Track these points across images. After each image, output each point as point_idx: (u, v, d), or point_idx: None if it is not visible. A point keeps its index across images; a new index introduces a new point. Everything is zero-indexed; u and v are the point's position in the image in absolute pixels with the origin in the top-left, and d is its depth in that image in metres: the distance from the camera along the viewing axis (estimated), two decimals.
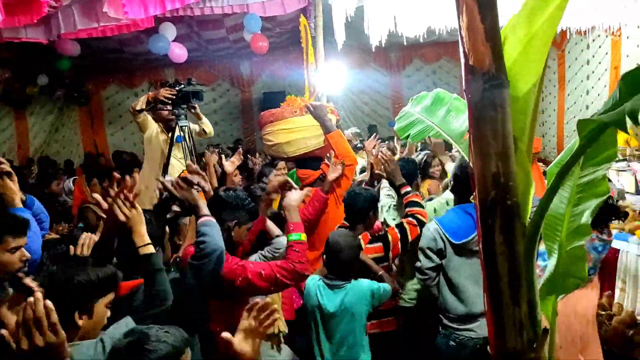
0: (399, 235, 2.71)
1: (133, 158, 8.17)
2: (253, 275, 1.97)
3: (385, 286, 2.45)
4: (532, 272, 1.17)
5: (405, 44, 5.58)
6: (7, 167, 2.17)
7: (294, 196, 2.22)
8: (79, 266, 1.62)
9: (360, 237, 2.68)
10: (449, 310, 2.53)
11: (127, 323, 1.64)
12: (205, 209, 2.00)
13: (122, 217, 1.76)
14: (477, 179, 1.14)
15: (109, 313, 1.63)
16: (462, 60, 1.10)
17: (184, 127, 3.90)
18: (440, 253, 2.56)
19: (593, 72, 8.08)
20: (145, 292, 1.78)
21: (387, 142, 6.55)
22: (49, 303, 1.19)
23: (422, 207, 2.83)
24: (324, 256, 2.48)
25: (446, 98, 1.72)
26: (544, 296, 1.28)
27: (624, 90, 0.95)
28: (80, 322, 1.53)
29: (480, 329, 2.43)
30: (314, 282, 2.49)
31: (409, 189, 2.92)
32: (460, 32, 1.08)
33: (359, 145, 5.59)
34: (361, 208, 2.74)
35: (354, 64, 9.44)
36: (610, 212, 2.75)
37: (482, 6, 1.04)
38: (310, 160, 3.53)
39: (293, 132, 3.39)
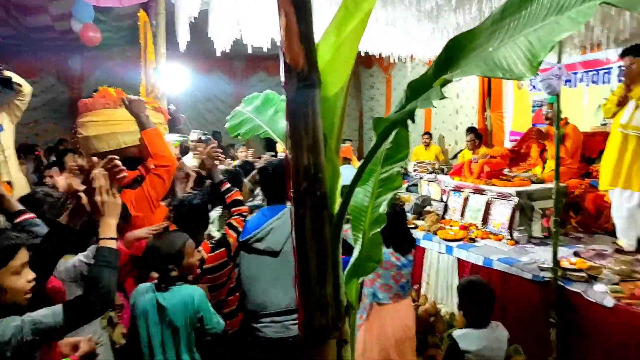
0: (234, 234, 2.74)
1: None
2: None
3: (219, 319, 2.40)
4: (337, 257, 1.30)
5: (249, 52, 5.66)
6: None
7: None
8: None
9: (200, 249, 2.65)
10: (244, 305, 2.67)
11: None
12: None
13: (98, 199, 1.65)
14: (292, 171, 1.23)
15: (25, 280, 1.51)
16: (281, 59, 1.19)
17: None
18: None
19: None
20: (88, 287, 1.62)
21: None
22: None
23: (244, 204, 2.90)
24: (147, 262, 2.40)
25: (275, 99, 1.82)
26: (348, 279, 1.43)
27: (408, 95, 1.14)
28: None
29: (267, 329, 2.55)
30: (143, 286, 2.41)
31: (228, 185, 2.91)
32: (279, 32, 1.16)
33: (204, 138, 5.51)
34: (189, 217, 2.70)
35: (198, 68, 9.27)
36: (412, 242, 3.22)
37: (298, 10, 1.14)
38: (126, 160, 3.30)
39: (103, 125, 3.08)
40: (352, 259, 1.45)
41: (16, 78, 3.71)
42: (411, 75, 9.23)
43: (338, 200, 1.32)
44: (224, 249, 2.69)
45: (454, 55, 1.06)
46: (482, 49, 1.00)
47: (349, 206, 1.55)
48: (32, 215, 2.17)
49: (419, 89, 1.11)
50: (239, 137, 1.91)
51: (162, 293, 2.34)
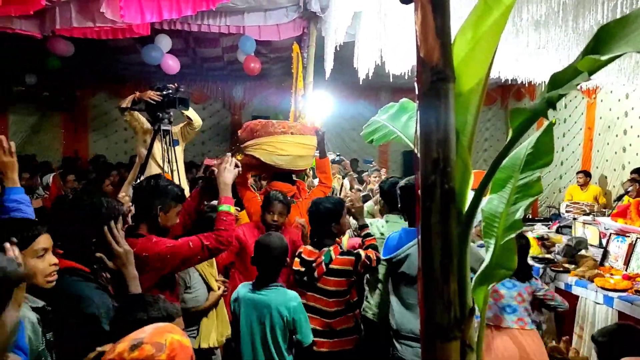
0: (369, 255, 2.83)
1: (106, 162, 8.78)
2: (171, 248, 2.19)
3: (310, 333, 2.50)
4: (464, 258, 1.24)
5: (391, 81, 5.83)
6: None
7: (229, 174, 2.41)
8: None
9: (331, 248, 2.79)
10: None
11: None
12: None
13: None
14: (420, 164, 1.23)
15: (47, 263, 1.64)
16: (415, 54, 1.22)
17: (165, 131, 3.98)
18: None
19: (569, 130, 8.45)
20: None
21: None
22: None
23: (377, 249, 2.94)
24: (254, 257, 2.57)
25: (410, 106, 1.85)
26: (477, 286, 1.35)
27: (549, 88, 1.07)
28: None
29: (400, 351, 2.58)
30: (243, 285, 2.62)
31: (368, 230, 3.04)
32: (415, 27, 1.20)
33: (337, 159, 6.09)
34: (322, 219, 2.86)
35: (345, 98, 9.73)
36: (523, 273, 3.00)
37: (435, 5, 1.16)
38: (287, 175, 3.72)
39: (302, 147, 3.56)
40: (483, 266, 1.38)
41: (191, 113, 4.51)
42: (567, 110, 8.46)
43: (468, 201, 1.28)
44: (353, 258, 2.74)
45: (602, 41, 0.98)
46: (638, 32, 0.91)
47: (483, 213, 1.49)
48: None
49: (562, 80, 1.04)
50: (372, 142, 1.98)
51: (264, 291, 2.48)
